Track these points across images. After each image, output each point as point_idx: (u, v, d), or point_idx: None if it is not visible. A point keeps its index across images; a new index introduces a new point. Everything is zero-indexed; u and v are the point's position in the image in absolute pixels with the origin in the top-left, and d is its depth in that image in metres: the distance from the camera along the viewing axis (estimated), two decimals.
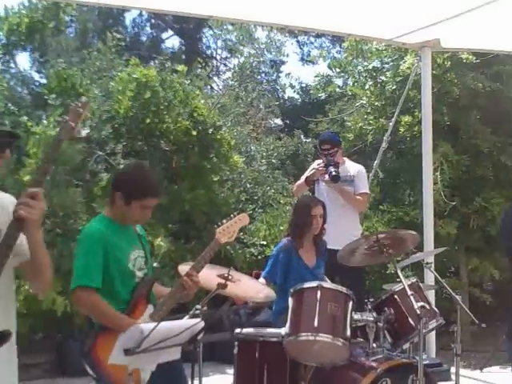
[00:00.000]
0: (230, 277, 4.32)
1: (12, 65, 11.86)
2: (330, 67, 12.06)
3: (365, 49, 11.01)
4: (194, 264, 4.16)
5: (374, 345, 4.94)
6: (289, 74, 19.02)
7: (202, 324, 3.26)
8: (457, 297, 5.48)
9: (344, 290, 4.87)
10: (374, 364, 4.74)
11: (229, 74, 18.34)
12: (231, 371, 5.27)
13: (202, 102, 10.05)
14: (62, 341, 8.37)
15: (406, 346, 5.08)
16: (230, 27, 17.37)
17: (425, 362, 6.90)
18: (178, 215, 9.26)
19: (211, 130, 9.80)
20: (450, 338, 7.79)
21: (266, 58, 18.74)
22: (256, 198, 11.70)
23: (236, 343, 5.17)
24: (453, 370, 6.83)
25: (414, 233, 5.20)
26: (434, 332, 7.47)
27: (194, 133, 9.54)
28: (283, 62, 20.59)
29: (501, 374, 7.64)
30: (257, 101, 15.97)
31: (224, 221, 4.43)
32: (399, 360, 4.88)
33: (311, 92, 13.57)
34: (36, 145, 8.89)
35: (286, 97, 20.27)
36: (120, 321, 3.75)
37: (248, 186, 11.77)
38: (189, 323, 3.17)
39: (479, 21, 7.06)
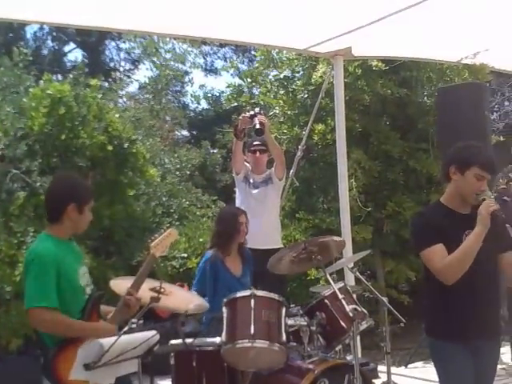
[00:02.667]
0: (162, 289, 4.37)
1: None
2: (241, 77, 12.17)
3: (276, 58, 11.16)
4: (134, 281, 4.20)
5: (309, 348, 5.08)
6: (203, 85, 19.14)
7: (158, 337, 3.30)
8: (383, 298, 5.67)
9: (277, 297, 4.99)
10: (310, 366, 4.88)
11: (133, 87, 18.31)
12: (164, 382, 5.29)
13: (117, 116, 9.98)
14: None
15: (339, 347, 5.24)
16: (132, 38, 17.35)
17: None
18: (97, 231, 9.16)
19: (126, 144, 9.74)
20: (371, 338, 8.13)
21: (172, 68, 18.79)
22: (172, 210, 11.70)
23: (172, 354, 5.22)
24: (379, 368, 7.11)
25: (339, 238, 5.40)
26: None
27: (110, 147, 9.46)
28: (187, 73, 20.73)
29: (425, 368, 7.93)
30: (163, 113, 15.99)
31: (156, 235, 4.50)
32: (335, 361, 5.03)
33: (223, 103, 13.66)
34: None
35: (193, 108, 20.39)
36: (91, 326, 3.83)
37: (164, 199, 11.76)
38: (146, 336, 3.20)
39: (388, 29, 7.33)
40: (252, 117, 6.93)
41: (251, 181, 7.31)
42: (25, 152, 8.99)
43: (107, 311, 4.13)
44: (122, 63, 23.29)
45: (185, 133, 19.56)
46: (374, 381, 5.19)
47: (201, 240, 9.91)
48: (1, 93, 10.34)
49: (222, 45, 21.31)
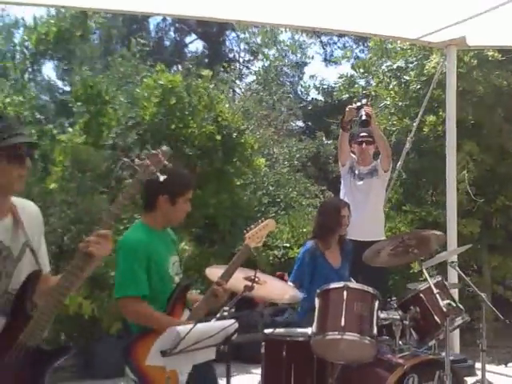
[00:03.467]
0: (256, 279, 4.38)
1: (39, 74, 12.05)
2: (353, 68, 12.06)
3: (389, 48, 11.01)
4: (225, 271, 4.21)
5: (400, 342, 4.98)
6: (313, 76, 19.07)
7: (237, 325, 3.32)
8: (481, 294, 5.50)
9: (370, 289, 4.92)
10: (401, 361, 4.77)
11: (252, 78, 18.41)
12: (256, 371, 5.33)
13: (227, 106, 10.11)
14: (88, 344, 8.44)
15: (432, 343, 5.12)
16: (254, 30, 17.45)
17: (450, 358, 7.03)
18: (202, 219, 9.33)
19: (235, 134, 9.86)
20: (472, 334, 7.93)
21: (289, 59, 18.83)
22: (278, 200, 11.76)
23: (263, 343, 5.27)
24: (477, 365, 6.90)
25: (439, 233, 5.24)
26: (457, 329, 7.54)
27: (219, 137, 9.62)
28: (306, 64, 20.67)
29: None
30: (279, 103, 16.04)
31: (252, 226, 4.49)
32: (426, 356, 4.91)
33: (335, 93, 13.56)
34: (62, 153, 9.02)
35: (308, 99, 20.29)
36: (170, 323, 3.79)
37: (270, 188, 11.83)
38: (224, 324, 3.23)
39: (505, 17, 7.05)
40: (358, 108, 6.87)
41: (356, 172, 7.25)
42: (135, 141, 9.26)
43: (195, 299, 4.19)
44: (242, 54, 23.41)
45: (300, 123, 19.54)
46: (468, 378, 5.04)
47: (304, 230, 9.91)
48: (117, 83, 10.69)
49: (342, 35, 21.05)
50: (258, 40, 17.67)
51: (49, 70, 23.25)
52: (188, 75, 10.14)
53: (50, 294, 2.98)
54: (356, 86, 11.72)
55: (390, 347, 5.03)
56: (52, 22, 11.63)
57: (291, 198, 12.09)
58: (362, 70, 11.64)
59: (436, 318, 4.87)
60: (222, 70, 13.39)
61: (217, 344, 3.28)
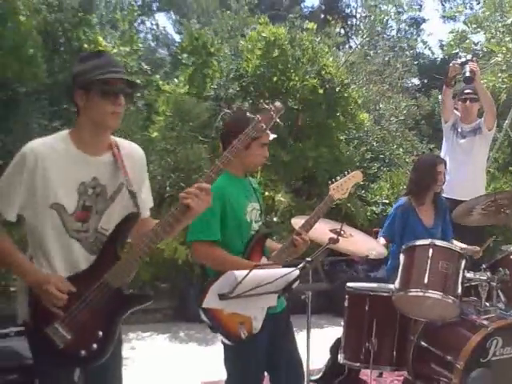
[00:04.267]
0: (342, 232, 4.36)
1: (148, 25, 12.28)
2: (465, 23, 11.63)
3: (504, 2, 10.53)
4: (305, 221, 4.15)
5: (487, 304, 4.88)
6: (431, 34, 18.60)
7: (297, 272, 3.31)
8: None
9: (457, 248, 4.83)
10: (485, 322, 4.66)
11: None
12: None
13: (331, 59, 9.99)
14: (183, 288, 8.67)
15: None
16: None
17: None
18: (301, 172, 9.33)
19: (338, 88, 9.75)
20: None
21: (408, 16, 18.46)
22: (382, 156, 11.58)
23: (347, 297, 5.28)
24: None
25: None
26: None
27: (321, 91, 9.54)
28: (424, 20, 20.18)
29: None
30: (394, 59, 15.71)
31: (338, 177, 4.41)
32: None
33: (444, 49, 13.13)
34: (165, 103, 9.20)
35: (428, 56, 19.81)
36: (244, 265, 3.74)
37: (374, 144, 11.67)
38: (282, 272, 3.22)
39: None
40: (463, 64, 6.66)
41: (459, 130, 7.05)
42: (237, 92, 9.32)
43: (274, 247, 4.19)
44: (359, 10, 22.98)
45: (415, 81, 19.10)
46: None
47: (405, 187, 9.73)
48: (221, 35, 10.76)
49: None
50: None
51: (165, 22, 23.62)
52: (292, 28, 10.05)
53: (142, 239, 3.01)
54: (467, 41, 11.28)
55: (475, 308, 4.92)
56: None
57: (396, 155, 11.89)
58: (474, 25, 11.18)
59: None
60: (334, 25, 13.17)
61: (277, 291, 3.29)
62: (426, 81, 19.04)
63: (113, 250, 3.04)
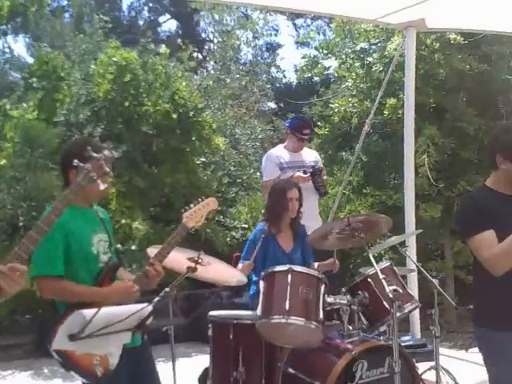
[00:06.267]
0: (200, 260, 4.24)
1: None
2: (316, 49, 11.87)
3: (353, 29, 10.82)
4: (159, 251, 3.99)
5: (351, 327, 4.88)
6: (283, 58, 19.06)
7: (150, 308, 3.13)
8: (433, 280, 5.38)
9: (315, 273, 4.82)
10: (349, 346, 4.69)
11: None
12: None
13: (184, 84, 9.88)
14: (42, 321, 8.26)
15: (383, 328, 5.01)
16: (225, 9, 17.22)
17: (408, 343, 6.99)
18: (157, 198, 9.16)
19: (192, 112, 9.66)
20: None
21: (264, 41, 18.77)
22: (240, 181, 11.57)
23: (210, 326, 5.15)
24: (441, 350, 6.82)
25: (385, 216, 5.11)
26: (417, 313, 7.48)
27: (175, 116, 9.41)
28: (280, 46, 20.64)
29: None
30: (251, 84, 15.84)
31: (192, 205, 4.29)
32: (375, 342, 4.83)
33: (298, 73, 13.41)
34: (12, 129, 8.77)
35: (282, 80, 20.22)
36: (98, 291, 3.67)
37: (232, 169, 11.65)
38: (135, 308, 3.04)
39: (466, 0, 6.91)
40: (313, 174, 6.84)
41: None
42: (88, 117, 9.04)
43: (127, 279, 4.00)
44: (217, 34, 23.25)
45: (272, 105, 19.38)
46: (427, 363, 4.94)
47: (263, 211, 9.77)
48: (72, 59, 10.45)
49: (315, 17, 20.94)
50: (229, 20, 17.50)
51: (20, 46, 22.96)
52: (144, 52, 9.88)
53: None
54: (319, 66, 11.52)
55: (339, 332, 4.90)
56: None
57: (254, 179, 11.90)
58: (325, 51, 11.43)
59: (385, 303, 4.74)
60: (196, 50, 13.15)
61: (130, 328, 3.10)
62: (282, 105, 19.40)
63: None
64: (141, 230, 8.38)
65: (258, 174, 12.08)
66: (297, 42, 21.72)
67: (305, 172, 6.78)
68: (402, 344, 6.29)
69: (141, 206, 8.99)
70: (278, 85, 19.88)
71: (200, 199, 4.36)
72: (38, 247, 3.66)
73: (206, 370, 5.23)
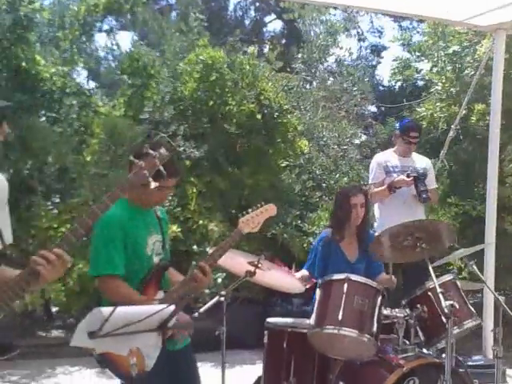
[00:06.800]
0: (259, 265, 4.23)
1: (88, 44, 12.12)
2: (409, 51, 11.63)
3: (446, 32, 10.52)
4: (210, 255, 4.02)
5: (407, 342, 4.74)
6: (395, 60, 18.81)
7: (172, 309, 3.11)
8: (499, 297, 5.13)
9: (373, 283, 4.69)
10: (401, 361, 4.55)
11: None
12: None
13: (270, 84, 9.84)
14: None
15: (441, 345, 4.81)
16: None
17: (478, 363, 6.67)
18: (237, 200, 9.15)
19: (277, 113, 9.62)
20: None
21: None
22: (324, 185, 11.42)
23: (266, 332, 5.11)
24: (508, 371, 6.50)
25: (450, 225, 4.93)
26: (489, 332, 7.14)
27: (259, 116, 9.39)
28: (385, 48, 20.36)
29: None
30: (351, 87, 15.66)
31: (249, 210, 4.26)
32: (429, 359, 4.67)
33: (389, 76, 13.17)
34: (100, 125, 8.99)
35: (384, 83, 19.94)
36: (141, 301, 3.68)
37: (317, 172, 11.51)
38: (155, 309, 3.02)
39: None
40: (416, 181, 6.68)
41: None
42: (173, 116, 9.14)
43: (176, 281, 4.01)
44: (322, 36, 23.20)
45: (373, 108, 19.11)
46: None
47: None
48: (169, 57, 10.60)
49: (422, 20, 20.60)
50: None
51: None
52: (232, 51, 9.92)
53: (5, 287, 2.73)
54: (410, 69, 11.27)
55: (394, 347, 4.76)
56: None
57: (340, 185, 11.73)
58: (418, 54, 11.17)
59: (443, 319, 4.53)
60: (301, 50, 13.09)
61: (152, 329, 3.09)
62: (383, 108, 19.08)
63: None
64: (216, 232, 8.39)
65: (346, 179, 11.93)
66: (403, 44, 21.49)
67: (408, 176, 6.65)
68: (470, 363, 5.99)
69: (220, 207, 9.01)
70: (381, 87, 19.57)
71: (259, 205, 4.33)
72: (99, 245, 3.76)
73: (259, 378, 5.18)
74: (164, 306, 3.05)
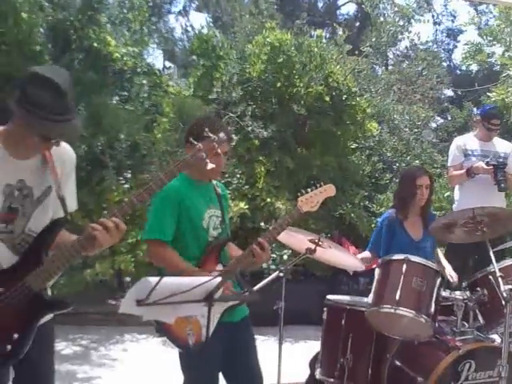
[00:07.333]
0: (320, 243, 4.27)
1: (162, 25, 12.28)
2: (480, 35, 11.42)
3: None
4: (269, 232, 4.02)
5: (466, 324, 4.72)
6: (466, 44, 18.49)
7: (217, 280, 3.17)
8: None
9: (432, 265, 4.69)
10: (458, 343, 4.53)
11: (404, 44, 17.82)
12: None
13: (338, 67, 9.84)
14: None
15: (501, 329, 4.77)
16: None
17: None
18: (305, 180, 9.20)
19: (345, 96, 9.62)
20: None
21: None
22: (395, 167, 11.39)
23: (325, 309, 5.18)
24: None
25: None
26: None
27: (327, 98, 9.41)
28: (461, 31, 20.05)
29: None
30: (426, 70, 15.50)
31: (309, 189, 4.27)
32: (486, 343, 4.62)
33: (460, 61, 12.95)
34: (170, 104, 9.15)
35: (462, 67, 19.62)
36: (190, 271, 3.74)
37: (388, 154, 11.48)
38: (201, 280, 3.09)
39: None
40: (495, 169, 6.61)
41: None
42: (241, 96, 9.23)
43: (235, 256, 4.08)
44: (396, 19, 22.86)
45: (449, 92, 18.83)
46: None
47: None
48: (239, 38, 10.69)
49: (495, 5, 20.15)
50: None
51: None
52: (300, 34, 9.94)
53: (64, 250, 2.92)
54: (482, 53, 11.05)
55: (452, 328, 4.76)
56: None
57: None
58: (489, 38, 10.95)
59: (504, 303, 4.51)
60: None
61: (198, 300, 3.15)
62: (459, 92, 18.77)
63: (37, 253, 2.95)
64: (283, 210, 8.47)
65: (417, 161, 11.84)
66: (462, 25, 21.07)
67: (487, 164, 6.62)
68: None
69: (288, 186, 9.08)
70: (458, 72, 19.23)
71: (318, 185, 4.33)
72: (152, 212, 3.88)
73: (318, 353, 5.25)
74: (210, 277, 3.11)
